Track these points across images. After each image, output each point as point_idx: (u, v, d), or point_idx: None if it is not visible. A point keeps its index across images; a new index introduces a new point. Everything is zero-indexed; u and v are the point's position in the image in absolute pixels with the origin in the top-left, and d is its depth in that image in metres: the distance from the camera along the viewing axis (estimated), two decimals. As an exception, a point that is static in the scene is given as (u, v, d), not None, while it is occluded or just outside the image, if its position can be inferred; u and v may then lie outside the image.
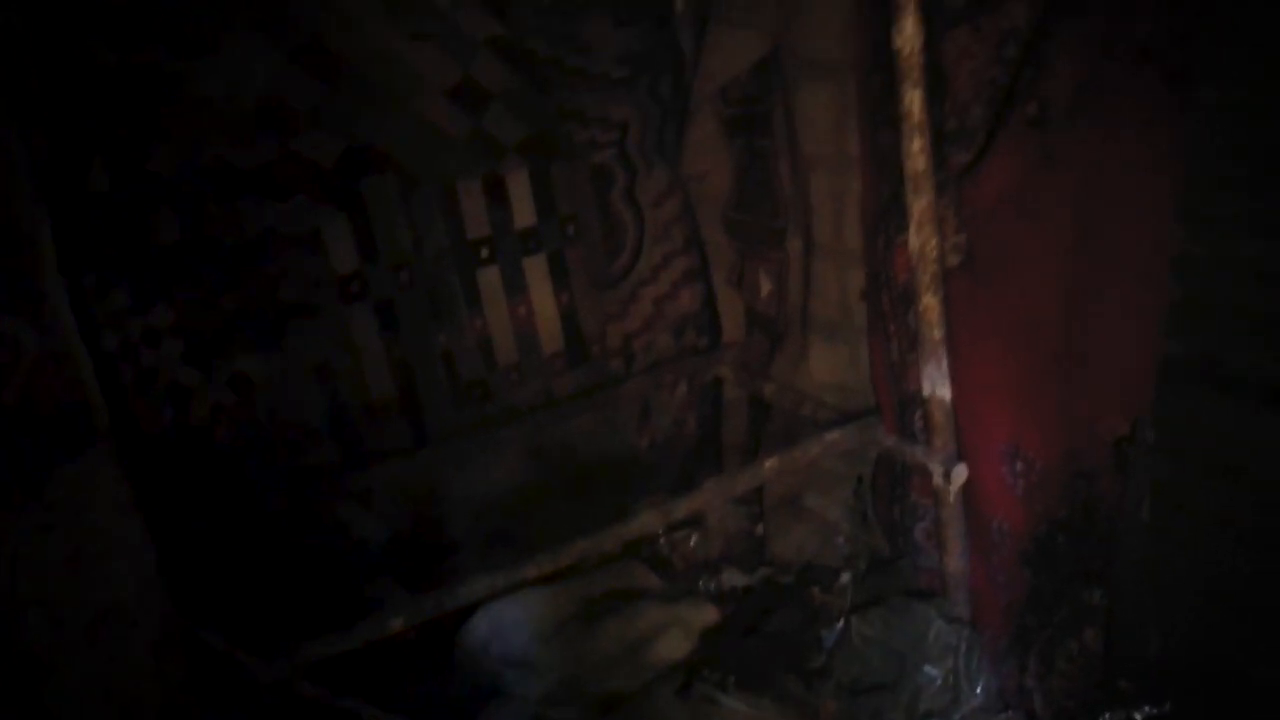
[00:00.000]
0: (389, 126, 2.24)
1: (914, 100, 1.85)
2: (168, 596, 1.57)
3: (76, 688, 1.39)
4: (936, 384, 2.03)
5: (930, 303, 1.99)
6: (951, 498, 2.05)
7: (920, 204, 1.93)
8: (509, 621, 2.30)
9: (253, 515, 2.20)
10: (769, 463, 2.19)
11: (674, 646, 2.27)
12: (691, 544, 2.65)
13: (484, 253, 2.46)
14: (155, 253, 2.05)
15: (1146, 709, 1.98)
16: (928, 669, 2.05)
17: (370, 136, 2.23)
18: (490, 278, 2.49)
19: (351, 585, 2.31)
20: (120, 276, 2.02)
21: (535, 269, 2.55)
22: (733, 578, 2.51)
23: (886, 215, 2.05)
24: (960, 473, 2.03)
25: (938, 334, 2.00)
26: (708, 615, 2.36)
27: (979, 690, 2.05)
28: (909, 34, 1.81)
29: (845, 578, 2.33)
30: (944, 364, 2.01)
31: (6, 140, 1.36)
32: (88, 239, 1.96)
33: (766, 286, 2.57)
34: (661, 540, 2.65)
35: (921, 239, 1.95)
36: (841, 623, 2.19)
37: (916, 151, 1.89)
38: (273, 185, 2.14)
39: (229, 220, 2.11)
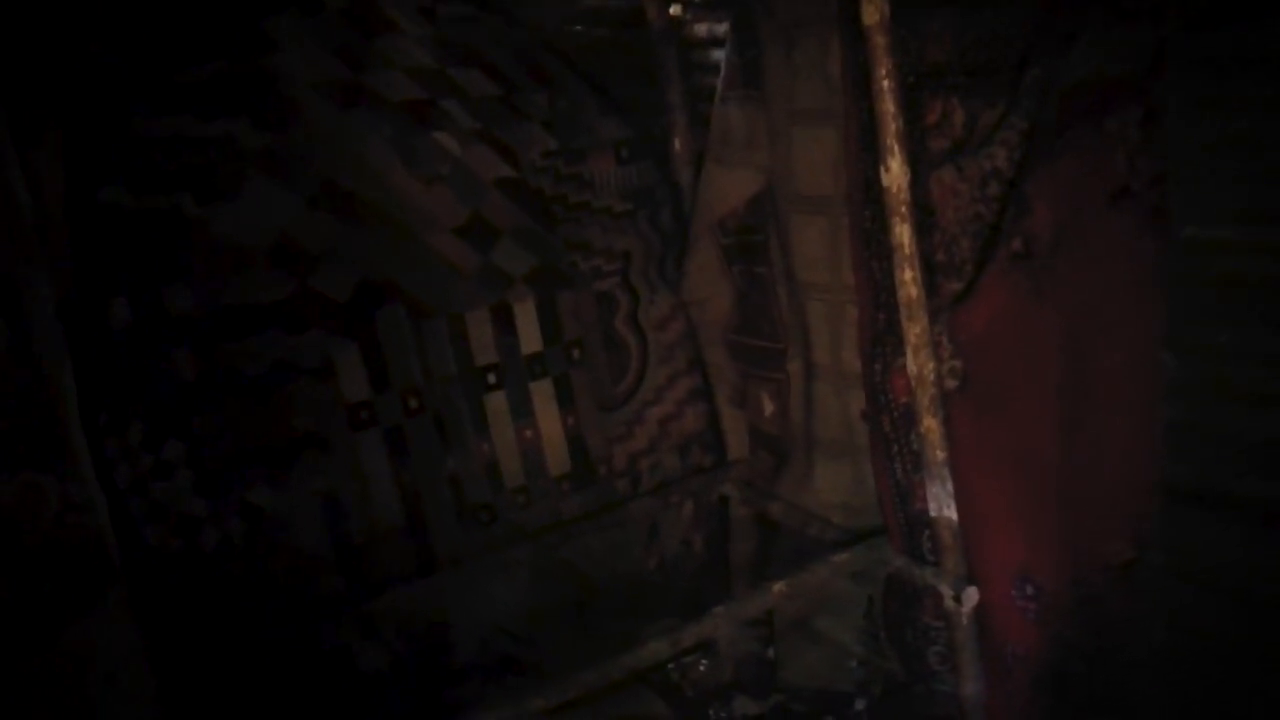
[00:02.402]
0: (402, 261, 2.33)
1: (903, 234, 1.93)
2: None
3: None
4: (943, 505, 2.04)
5: (931, 424, 2.02)
6: (964, 620, 2.03)
7: (915, 330, 1.99)
8: (515, 757, 2.24)
9: (259, 644, 2.18)
10: (777, 586, 2.18)
11: (686, 781, 2.21)
12: (701, 669, 2.60)
13: (491, 378, 2.51)
14: (170, 388, 2.10)
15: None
16: (948, 803, 1.99)
17: (383, 271, 2.31)
18: (497, 402, 2.53)
19: (357, 718, 2.27)
20: (135, 412, 2.06)
21: (542, 393, 2.60)
22: (744, 706, 2.46)
23: (883, 340, 2.11)
24: (971, 595, 2.01)
25: (941, 455, 2.02)
26: (719, 747, 2.31)
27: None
28: (896, 173, 1.91)
29: (860, 705, 2.28)
30: (949, 485, 2.02)
31: (40, 304, 1.42)
32: (105, 377, 2.01)
33: (769, 406, 2.61)
34: (671, 666, 2.60)
35: (919, 363, 2.00)
36: (858, 755, 2.14)
37: (909, 281, 1.96)
38: (288, 320, 2.21)
39: (244, 355, 2.17)
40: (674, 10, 2.64)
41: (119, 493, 2.03)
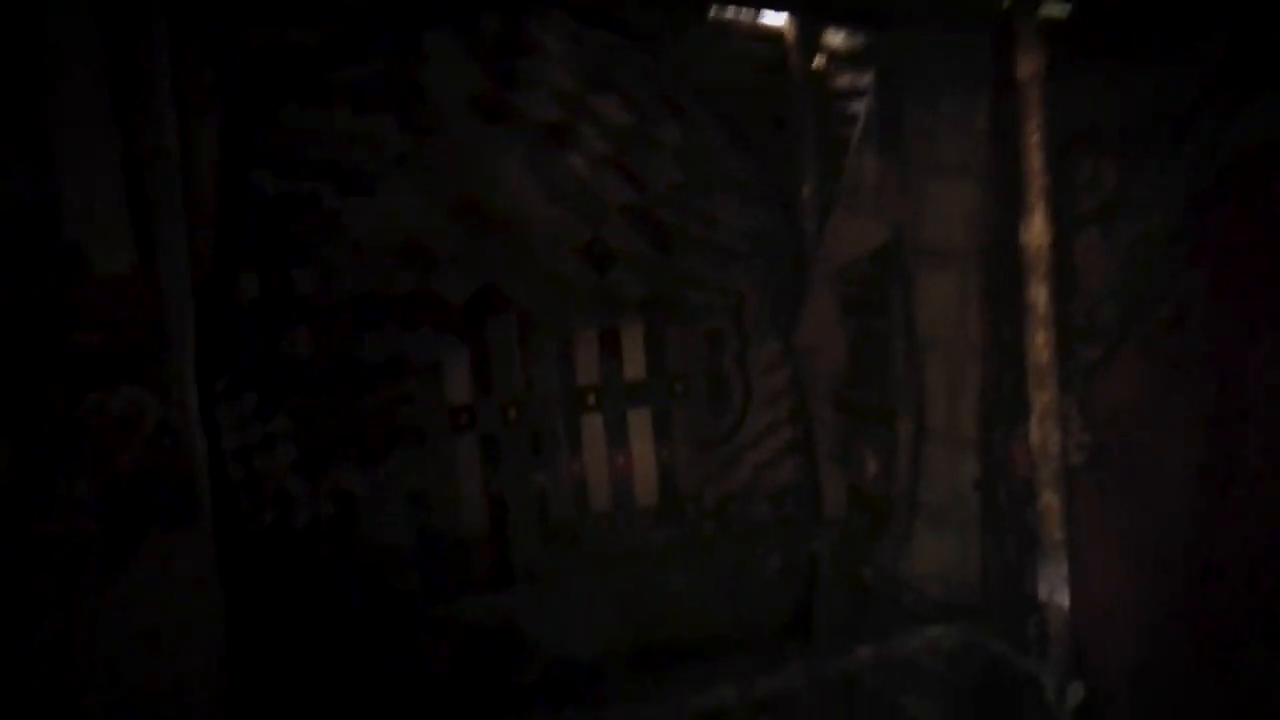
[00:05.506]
0: (519, 274, 2.38)
1: (1040, 294, 1.85)
2: (229, 681, 1.57)
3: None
4: (1055, 589, 1.91)
5: (1051, 501, 1.90)
6: (1066, 718, 1.87)
7: (1043, 398, 1.89)
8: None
9: (334, 629, 2.19)
10: (863, 650, 2.07)
11: None
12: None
13: (591, 399, 2.51)
14: (286, 365, 2.17)
15: None
16: None
17: (500, 281, 2.36)
18: (594, 424, 2.52)
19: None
20: (250, 384, 2.14)
21: (639, 421, 2.57)
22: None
23: (1006, 406, 1.99)
24: (1076, 691, 1.86)
25: (1058, 535, 1.90)
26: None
27: None
28: (1037, 230, 1.84)
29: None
30: (1064, 568, 1.89)
31: (173, 245, 1.49)
32: (226, 346, 2.09)
33: (873, 466, 2.51)
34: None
35: (1044, 434, 1.90)
36: None
37: (1040, 345, 1.87)
38: (405, 315, 2.27)
39: (359, 343, 2.23)
40: (817, 62, 2.64)
41: (222, 456, 2.10)
